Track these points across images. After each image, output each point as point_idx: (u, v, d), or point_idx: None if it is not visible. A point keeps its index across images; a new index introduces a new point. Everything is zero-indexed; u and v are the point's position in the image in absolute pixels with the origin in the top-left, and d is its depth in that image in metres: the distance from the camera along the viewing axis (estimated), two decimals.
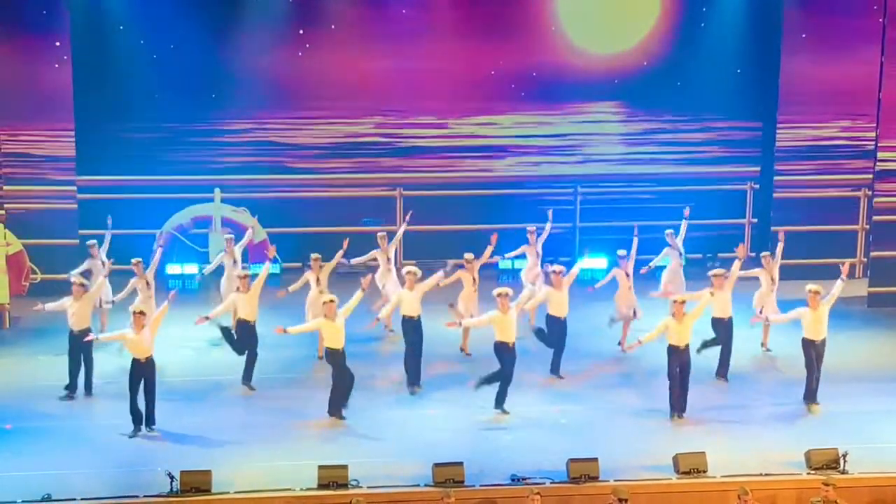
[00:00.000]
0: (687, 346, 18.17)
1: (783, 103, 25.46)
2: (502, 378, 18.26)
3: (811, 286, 18.67)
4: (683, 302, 18.21)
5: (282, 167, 26.20)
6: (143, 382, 17.43)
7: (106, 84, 24.77)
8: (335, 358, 17.93)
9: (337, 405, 18.02)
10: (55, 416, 18.19)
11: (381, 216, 26.20)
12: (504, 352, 18.16)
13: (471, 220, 26.36)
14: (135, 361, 17.38)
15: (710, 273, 19.88)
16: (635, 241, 21.60)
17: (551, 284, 19.83)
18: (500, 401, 18.34)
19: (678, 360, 18.08)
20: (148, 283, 20.55)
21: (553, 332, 19.71)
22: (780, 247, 21.42)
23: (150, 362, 17.44)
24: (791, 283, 21.95)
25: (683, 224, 22.96)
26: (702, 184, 26.94)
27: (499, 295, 18.07)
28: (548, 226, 23.25)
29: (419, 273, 19.53)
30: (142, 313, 17.54)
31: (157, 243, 24.08)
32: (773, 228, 25.91)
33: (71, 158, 24.38)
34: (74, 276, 20.33)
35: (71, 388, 18.93)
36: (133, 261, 20.72)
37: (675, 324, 18.06)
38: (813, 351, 18.52)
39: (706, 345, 19.69)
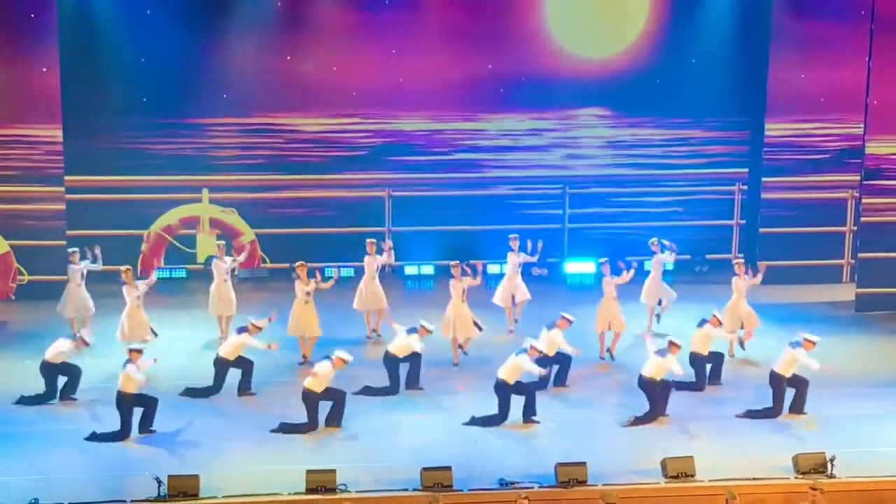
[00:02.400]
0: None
1: (771, 106, 25.50)
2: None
3: (809, 337, 18.58)
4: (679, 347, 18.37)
5: (270, 168, 26.12)
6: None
7: (94, 85, 24.71)
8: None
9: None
10: (42, 420, 18.14)
11: (369, 217, 26.22)
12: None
13: (460, 222, 26.39)
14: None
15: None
16: (631, 272, 21.29)
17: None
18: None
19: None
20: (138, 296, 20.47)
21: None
22: (759, 276, 21.37)
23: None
24: (778, 288, 22.07)
25: (669, 256, 22.74)
26: (690, 185, 26.95)
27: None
28: (531, 258, 22.88)
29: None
30: (139, 351, 17.70)
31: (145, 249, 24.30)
32: (761, 230, 26.04)
33: (59, 159, 24.28)
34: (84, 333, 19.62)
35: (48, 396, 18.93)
36: (122, 268, 20.69)
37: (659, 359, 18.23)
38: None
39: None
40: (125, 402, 17.39)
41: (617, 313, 20.96)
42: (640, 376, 18.33)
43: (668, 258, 22.64)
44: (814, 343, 18.44)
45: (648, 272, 22.68)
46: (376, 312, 22.11)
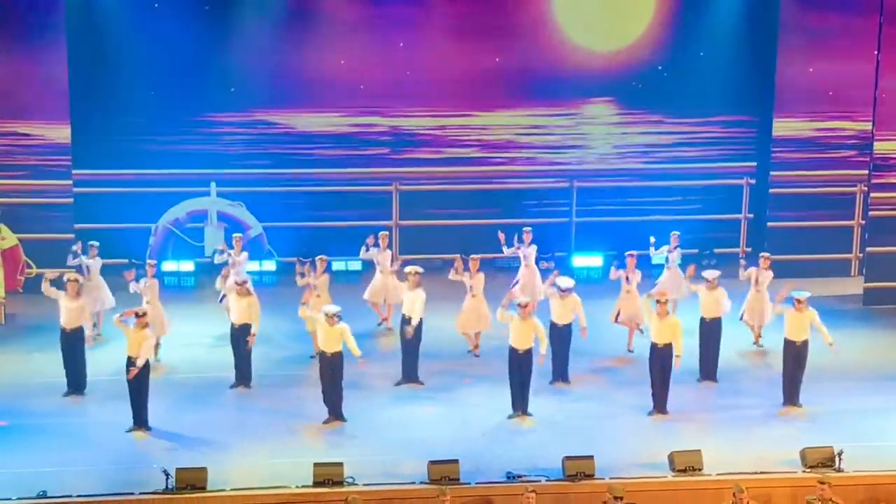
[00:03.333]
0: (668, 344, 18.25)
1: (779, 99, 25.42)
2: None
3: (798, 294, 18.67)
4: (667, 302, 18.49)
5: (278, 161, 26.13)
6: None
7: (102, 78, 24.67)
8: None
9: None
10: (51, 412, 18.17)
11: (377, 211, 26.23)
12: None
13: (467, 216, 26.37)
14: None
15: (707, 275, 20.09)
16: (637, 274, 21.13)
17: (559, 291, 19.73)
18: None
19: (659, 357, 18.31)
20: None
21: (556, 339, 19.45)
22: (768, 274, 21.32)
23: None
24: (786, 282, 21.88)
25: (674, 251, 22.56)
26: (698, 179, 26.92)
27: (519, 305, 18.14)
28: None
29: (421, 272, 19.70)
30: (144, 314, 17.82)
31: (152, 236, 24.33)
32: (769, 224, 25.99)
33: (67, 153, 24.32)
34: (70, 273, 19.91)
35: (72, 386, 18.92)
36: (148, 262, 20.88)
37: (657, 321, 18.26)
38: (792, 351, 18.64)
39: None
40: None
41: (638, 311, 20.74)
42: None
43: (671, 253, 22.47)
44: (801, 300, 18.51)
45: (662, 266, 22.53)
46: (388, 305, 22.08)
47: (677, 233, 22.75)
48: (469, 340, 20.86)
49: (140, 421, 17.51)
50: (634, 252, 21.41)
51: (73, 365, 18.89)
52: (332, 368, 17.79)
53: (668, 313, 18.40)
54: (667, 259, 22.47)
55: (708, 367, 19.78)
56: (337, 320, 17.72)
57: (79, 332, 18.81)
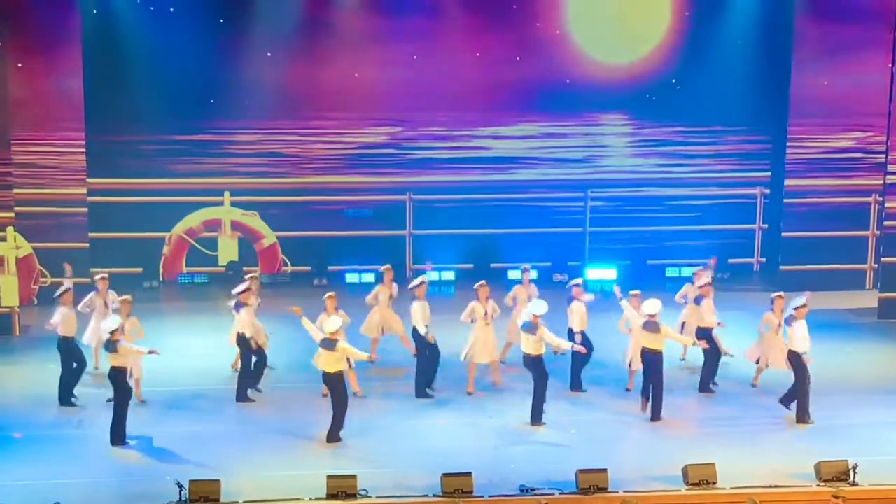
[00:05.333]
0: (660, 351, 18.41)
1: (794, 111, 25.42)
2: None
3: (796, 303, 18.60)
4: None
5: (292, 171, 26.17)
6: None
7: (117, 89, 24.79)
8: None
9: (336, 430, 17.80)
10: (64, 424, 18.20)
11: (391, 221, 26.24)
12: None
13: (481, 226, 26.40)
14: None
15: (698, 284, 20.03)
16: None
17: (573, 298, 19.77)
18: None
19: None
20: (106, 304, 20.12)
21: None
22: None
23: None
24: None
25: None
26: (712, 190, 26.89)
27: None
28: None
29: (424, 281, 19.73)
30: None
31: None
32: (783, 235, 25.95)
33: (81, 162, 24.43)
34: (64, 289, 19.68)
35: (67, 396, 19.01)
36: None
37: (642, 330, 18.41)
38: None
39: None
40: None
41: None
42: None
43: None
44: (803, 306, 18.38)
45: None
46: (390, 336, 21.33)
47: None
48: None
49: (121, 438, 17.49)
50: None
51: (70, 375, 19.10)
52: (333, 388, 17.73)
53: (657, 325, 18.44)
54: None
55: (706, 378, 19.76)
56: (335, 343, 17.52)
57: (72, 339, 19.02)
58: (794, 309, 18.45)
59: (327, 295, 18.99)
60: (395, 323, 20.92)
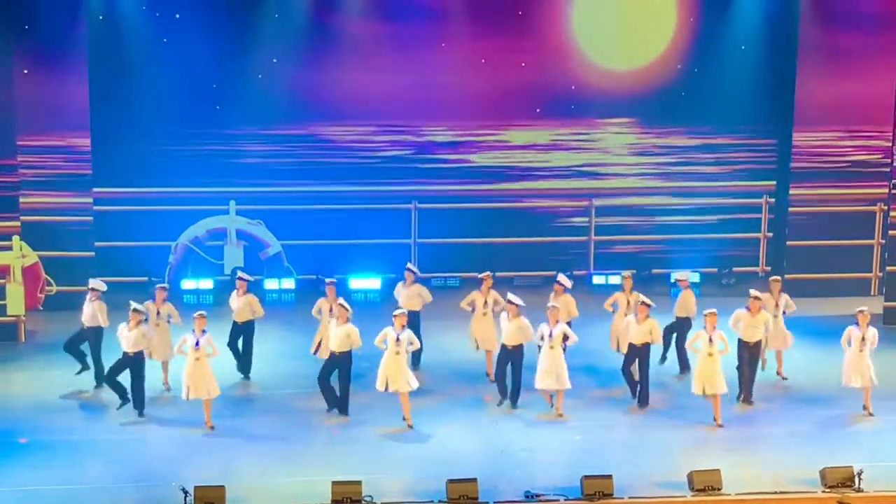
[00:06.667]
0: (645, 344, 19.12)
1: (798, 118, 25.40)
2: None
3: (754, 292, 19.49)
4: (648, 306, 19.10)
5: (298, 179, 26.16)
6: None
7: (122, 96, 24.75)
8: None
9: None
10: (70, 430, 18.22)
11: (396, 229, 26.26)
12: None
13: (486, 234, 26.38)
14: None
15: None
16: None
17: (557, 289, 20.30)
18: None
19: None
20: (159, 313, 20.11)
21: None
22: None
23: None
24: (805, 301, 21.94)
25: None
26: (717, 198, 26.89)
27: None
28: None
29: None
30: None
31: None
32: (788, 243, 25.94)
33: (87, 171, 24.44)
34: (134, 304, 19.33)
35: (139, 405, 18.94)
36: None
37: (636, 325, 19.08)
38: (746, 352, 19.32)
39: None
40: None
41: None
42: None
43: None
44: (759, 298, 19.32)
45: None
46: None
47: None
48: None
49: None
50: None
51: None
52: (341, 367, 18.77)
53: (647, 317, 18.99)
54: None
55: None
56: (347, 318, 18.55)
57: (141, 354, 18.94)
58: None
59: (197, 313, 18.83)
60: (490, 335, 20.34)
